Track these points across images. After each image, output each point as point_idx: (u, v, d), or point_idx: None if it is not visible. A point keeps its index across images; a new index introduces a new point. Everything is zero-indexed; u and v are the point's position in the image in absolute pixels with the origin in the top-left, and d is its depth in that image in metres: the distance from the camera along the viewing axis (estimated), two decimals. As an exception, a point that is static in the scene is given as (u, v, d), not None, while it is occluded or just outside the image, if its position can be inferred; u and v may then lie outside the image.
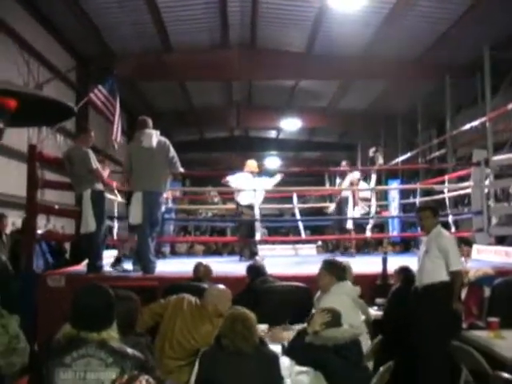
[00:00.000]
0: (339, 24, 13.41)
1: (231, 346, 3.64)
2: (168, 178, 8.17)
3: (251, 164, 10.82)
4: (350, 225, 11.37)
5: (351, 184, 11.53)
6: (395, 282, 6.35)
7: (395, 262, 7.04)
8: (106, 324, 2.92)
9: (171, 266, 9.03)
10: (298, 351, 4.12)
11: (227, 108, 21.60)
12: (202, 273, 6.64)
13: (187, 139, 24.90)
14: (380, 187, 14.73)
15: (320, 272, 5.19)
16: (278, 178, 10.99)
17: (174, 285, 6.23)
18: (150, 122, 7.97)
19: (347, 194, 11.47)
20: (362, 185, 12.17)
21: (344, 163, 12.27)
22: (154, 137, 7.74)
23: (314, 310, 4.73)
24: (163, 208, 9.04)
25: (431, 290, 5.65)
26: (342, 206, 11.59)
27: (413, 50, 14.94)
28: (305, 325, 4.45)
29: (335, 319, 4.21)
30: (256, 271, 6.58)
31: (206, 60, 15.37)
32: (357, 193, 11.46)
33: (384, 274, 7.01)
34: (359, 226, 12.10)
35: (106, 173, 7.84)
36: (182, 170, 8.25)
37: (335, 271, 5.09)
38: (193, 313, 5.04)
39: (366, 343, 4.94)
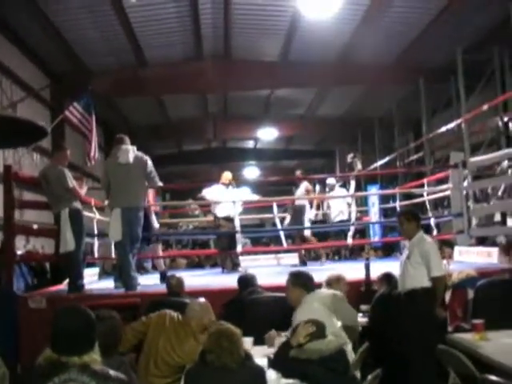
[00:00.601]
0: (313, 31, 13.47)
1: (216, 362, 3.59)
2: (146, 192, 8.13)
3: (225, 176, 10.87)
4: (307, 232, 11.37)
5: (307, 192, 11.48)
6: (379, 288, 6.33)
7: (378, 268, 7.03)
8: (87, 347, 2.85)
9: (153, 282, 8.96)
10: (284, 365, 4.07)
11: (204, 120, 21.63)
12: (174, 286, 6.54)
13: (165, 153, 24.92)
14: (359, 193, 14.75)
15: (287, 286, 5.11)
16: (255, 197, 11.33)
17: (156, 301, 6.15)
18: (126, 138, 7.93)
19: (303, 202, 11.43)
20: (342, 191, 12.27)
21: (298, 172, 12.23)
22: (131, 152, 7.70)
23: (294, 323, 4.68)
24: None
25: (413, 296, 5.65)
26: (297, 215, 11.51)
27: (387, 55, 15.08)
28: (288, 335, 4.43)
29: (319, 330, 4.17)
30: (245, 282, 6.53)
31: (180, 73, 15.40)
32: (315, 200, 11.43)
33: (367, 281, 6.99)
34: (340, 232, 12.14)
35: (83, 190, 7.78)
36: (160, 184, 8.21)
37: (302, 283, 5.02)
38: (176, 329, 4.99)
39: (350, 351, 4.89)
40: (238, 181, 12.68)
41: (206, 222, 14.79)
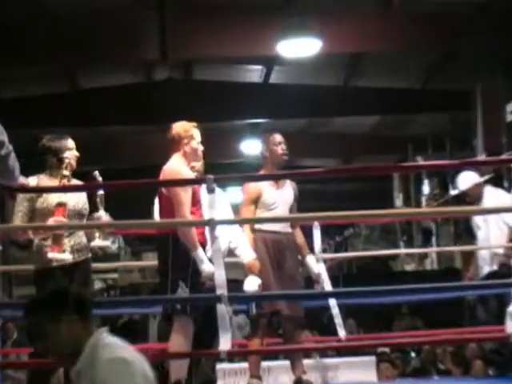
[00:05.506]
0: None
1: None
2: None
3: None
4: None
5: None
6: None
7: None
8: None
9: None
10: None
11: (137, 14, 21.47)
12: None
13: (40, 93, 25.05)
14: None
15: None
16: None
17: None
18: None
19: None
20: (499, 196, 12.43)
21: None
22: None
23: None
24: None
25: None
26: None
27: None
28: None
29: None
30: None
31: None
32: None
33: None
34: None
35: None
36: (24, 180, 8.13)
37: None
38: None
39: None
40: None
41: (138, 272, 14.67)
